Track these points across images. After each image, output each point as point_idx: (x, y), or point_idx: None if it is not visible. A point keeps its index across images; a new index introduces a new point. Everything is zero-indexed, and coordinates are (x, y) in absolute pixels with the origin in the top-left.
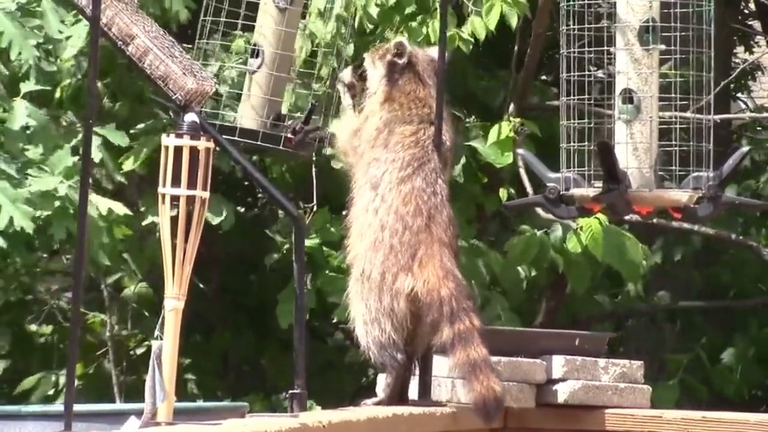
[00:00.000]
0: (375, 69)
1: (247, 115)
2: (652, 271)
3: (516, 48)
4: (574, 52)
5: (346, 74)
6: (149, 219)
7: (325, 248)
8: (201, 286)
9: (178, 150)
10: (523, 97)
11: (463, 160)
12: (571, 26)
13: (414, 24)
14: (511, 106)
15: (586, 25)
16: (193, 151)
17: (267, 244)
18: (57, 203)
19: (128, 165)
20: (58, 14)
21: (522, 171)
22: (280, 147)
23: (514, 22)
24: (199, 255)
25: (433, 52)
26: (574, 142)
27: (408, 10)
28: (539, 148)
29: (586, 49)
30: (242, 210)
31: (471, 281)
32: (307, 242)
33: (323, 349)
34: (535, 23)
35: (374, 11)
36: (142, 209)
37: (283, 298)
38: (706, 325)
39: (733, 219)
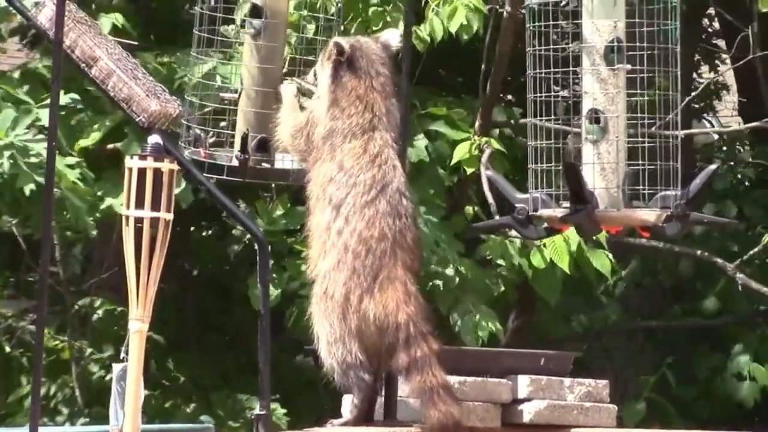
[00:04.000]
0: (323, 70)
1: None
2: (623, 291)
3: (482, 67)
4: (540, 73)
5: (310, 75)
6: (107, 202)
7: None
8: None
9: (141, 172)
10: (487, 115)
11: (426, 144)
12: (537, 47)
13: (373, 10)
14: (477, 124)
15: (552, 46)
16: (157, 172)
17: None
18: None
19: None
20: None
21: (486, 189)
22: (223, 176)
23: (475, 27)
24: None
25: (389, 35)
26: (541, 162)
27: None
28: (508, 166)
29: (552, 69)
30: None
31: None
32: (270, 228)
33: (307, 366)
34: (500, 42)
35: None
36: (100, 192)
37: (252, 283)
38: (675, 344)
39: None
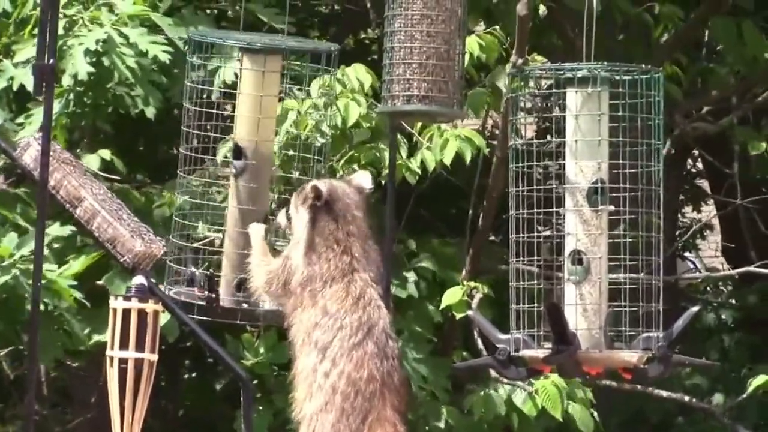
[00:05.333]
0: (298, 214)
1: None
2: None
3: (470, 212)
4: (523, 214)
5: (281, 217)
6: (95, 338)
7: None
8: None
9: (126, 312)
10: (476, 260)
11: (414, 280)
12: (520, 188)
13: (361, 153)
14: (465, 270)
15: (535, 186)
16: (141, 313)
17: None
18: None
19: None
20: None
21: (476, 333)
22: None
23: (468, 157)
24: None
25: (361, 178)
26: (524, 303)
27: (358, 139)
28: (496, 309)
29: (535, 210)
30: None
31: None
32: (256, 360)
33: None
34: (490, 187)
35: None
36: (87, 330)
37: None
38: None
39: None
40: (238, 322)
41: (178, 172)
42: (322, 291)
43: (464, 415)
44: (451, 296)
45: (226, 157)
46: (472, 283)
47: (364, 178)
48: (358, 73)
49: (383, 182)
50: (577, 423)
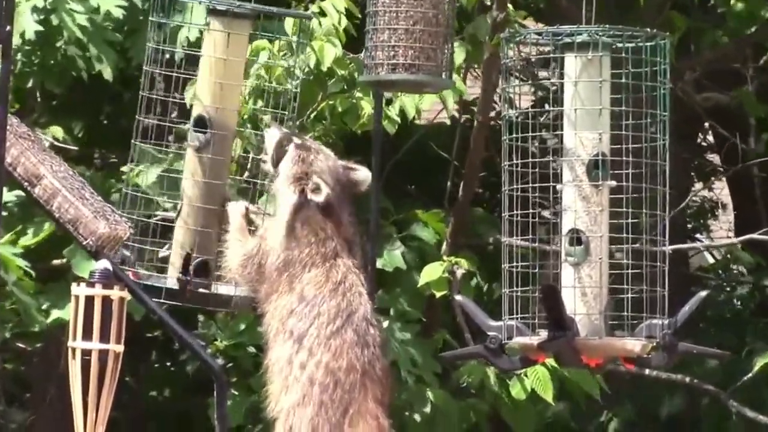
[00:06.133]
0: (285, 194)
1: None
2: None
3: (449, 183)
4: (516, 190)
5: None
6: (54, 314)
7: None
8: None
9: (89, 300)
10: (457, 233)
11: (402, 251)
12: (514, 161)
13: (336, 101)
14: (445, 244)
15: (530, 160)
16: (106, 300)
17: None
18: None
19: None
20: None
21: (459, 316)
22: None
23: (450, 104)
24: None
25: (363, 175)
26: (516, 286)
27: (334, 89)
28: (479, 289)
29: (530, 185)
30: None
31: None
32: (232, 342)
33: None
34: (470, 154)
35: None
36: (45, 306)
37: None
38: None
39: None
40: (208, 308)
41: (134, 142)
42: (300, 276)
43: (452, 400)
44: (431, 272)
45: (184, 123)
46: (453, 259)
47: (364, 176)
48: (336, 4)
49: (358, 132)
50: (583, 387)
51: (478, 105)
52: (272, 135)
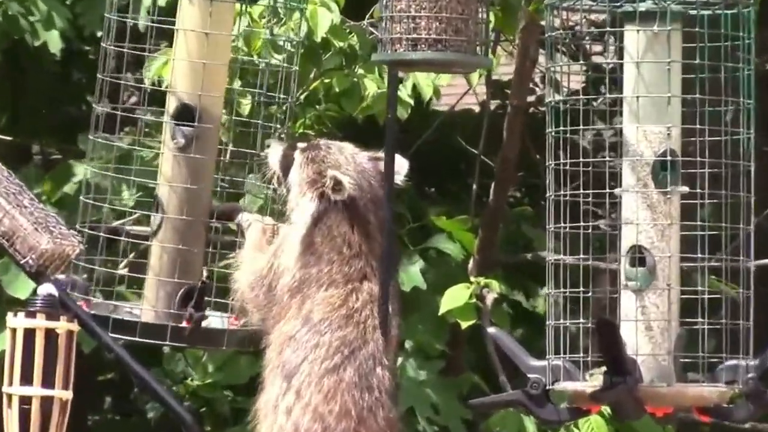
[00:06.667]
0: (302, 200)
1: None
2: None
3: (474, 186)
4: (564, 195)
5: (272, 160)
6: None
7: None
8: None
9: (29, 334)
10: (487, 247)
11: (421, 267)
12: (561, 161)
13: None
14: (471, 262)
15: (582, 159)
16: (50, 334)
17: None
18: None
19: None
20: None
21: (492, 351)
22: (167, 342)
23: (474, 80)
24: None
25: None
26: (565, 318)
27: (330, 65)
28: (517, 319)
29: (581, 191)
30: None
31: None
32: (204, 382)
33: None
34: (504, 147)
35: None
36: None
37: None
38: None
39: None
40: (183, 345)
41: (89, 137)
42: (314, 296)
43: None
44: (454, 297)
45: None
46: (482, 280)
47: (398, 165)
48: None
49: (359, 119)
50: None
51: (512, 86)
52: (274, 151)
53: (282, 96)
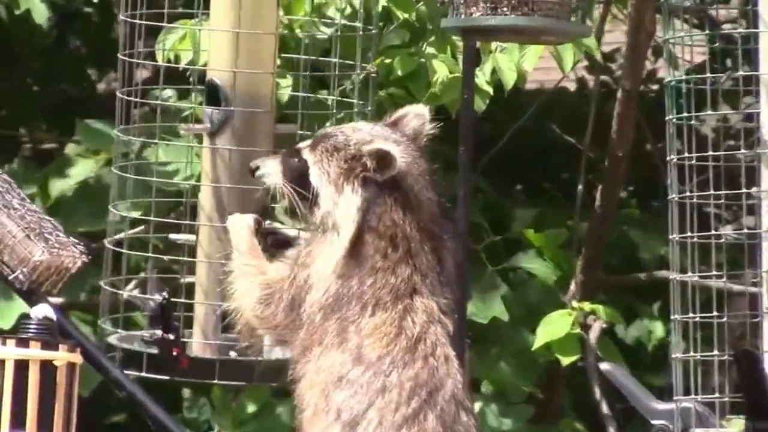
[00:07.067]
0: (342, 193)
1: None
2: None
3: (580, 186)
4: (691, 197)
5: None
6: None
7: None
8: None
9: (21, 366)
10: (592, 264)
11: (504, 292)
12: (686, 155)
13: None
14: (573, 283)
15: (711, 152)
16: (47, 367)
17: None
18: None
19: None
20: None
21: (597, 392)
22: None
23: (569, 64)
24: None
25: (414, 116)
26: (696, 350)
27: (393, 42)
28: (626, 353)
29: (712, 191)
30: None
31: None
32: None
33: None
34: (614, 140)
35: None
36: None
37: None
38: None
39: None
40: (216, 381)
41: (116, 133)
42: (358, 322)
43: None
44: (552, 326)
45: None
46: (586, 305)
47: (415, 113)
48: None
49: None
50: None
51: (624, 65)
52: (269, 169)
53: (361, 64)
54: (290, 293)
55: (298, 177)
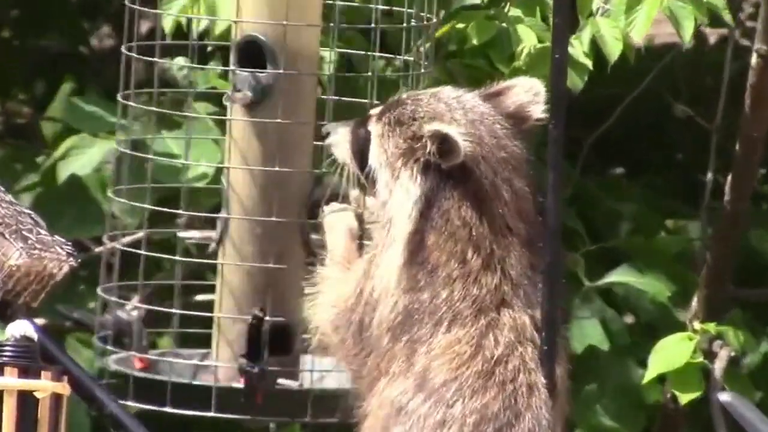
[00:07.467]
0: (397, 180)
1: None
2: None
3: (709, 174)
4: None
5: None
6: None
7: None
8: None
9: None
10: (719, 275)
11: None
12: None
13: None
14: (695, 300)
15: None
16: (27, 399)
17: None
18: None
19: None
20: None
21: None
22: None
23: (688, 32)
24: None
25: (524, 94)
26: None
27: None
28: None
29: None
30: None
31: None
32: None
33: None
34: (746, 119)
35: None
36: None
37: None
38: None
39: None
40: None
41: (118, 98)
42: (429, 341)
43: None
44: (667, 355)
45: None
46: (711, 327)
47: (527, 88)
48: None
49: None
50: None
51: (761, 25)
52: (340, 138)
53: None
54: (357, 313)
55: (361, 152)
